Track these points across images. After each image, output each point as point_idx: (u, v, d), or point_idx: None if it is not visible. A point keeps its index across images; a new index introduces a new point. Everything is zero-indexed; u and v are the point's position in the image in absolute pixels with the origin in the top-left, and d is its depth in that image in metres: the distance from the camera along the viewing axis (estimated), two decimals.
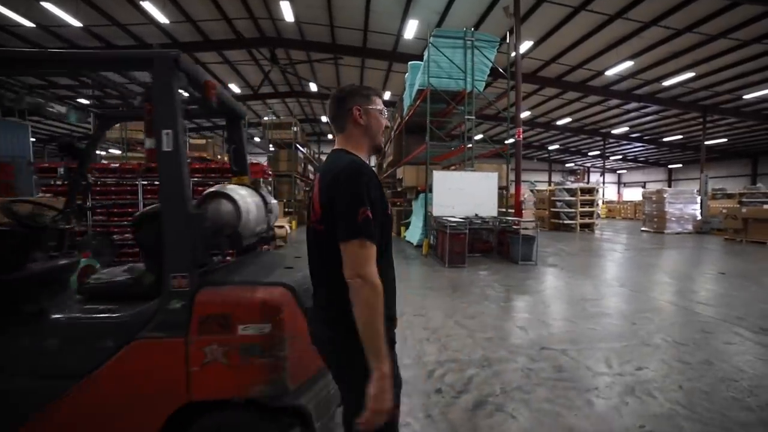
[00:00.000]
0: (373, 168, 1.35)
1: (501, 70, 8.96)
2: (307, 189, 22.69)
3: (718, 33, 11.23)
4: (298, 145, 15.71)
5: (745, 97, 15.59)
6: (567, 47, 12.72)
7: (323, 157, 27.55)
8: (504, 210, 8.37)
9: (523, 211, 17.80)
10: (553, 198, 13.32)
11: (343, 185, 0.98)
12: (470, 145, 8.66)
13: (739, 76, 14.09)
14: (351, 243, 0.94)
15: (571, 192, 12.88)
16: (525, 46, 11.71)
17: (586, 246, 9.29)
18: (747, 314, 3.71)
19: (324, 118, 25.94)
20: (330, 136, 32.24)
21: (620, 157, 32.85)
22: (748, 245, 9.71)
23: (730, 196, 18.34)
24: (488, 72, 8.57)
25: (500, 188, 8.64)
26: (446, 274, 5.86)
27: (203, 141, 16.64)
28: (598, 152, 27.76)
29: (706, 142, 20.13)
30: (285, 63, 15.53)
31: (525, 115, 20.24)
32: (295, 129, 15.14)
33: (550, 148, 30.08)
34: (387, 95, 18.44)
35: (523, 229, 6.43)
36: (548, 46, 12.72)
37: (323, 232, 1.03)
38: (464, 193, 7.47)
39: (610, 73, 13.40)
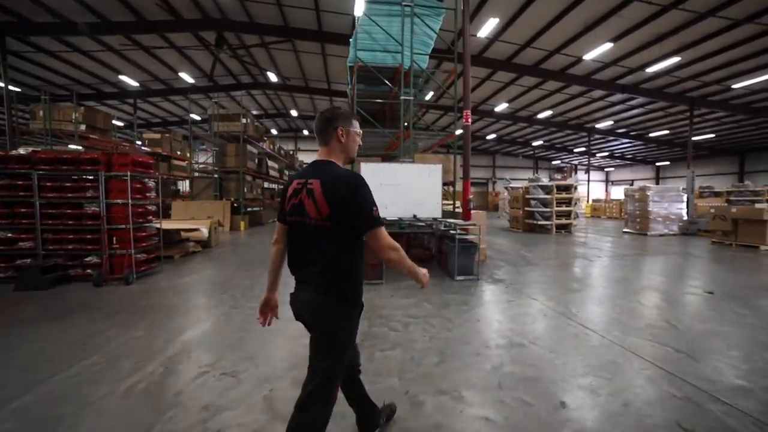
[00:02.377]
0: None
1: (448, 45, 7.60)
2: (275, 188, 21.26)
3: (707, 10, 10.05)
4: (249, 139, 14.23)
5: (734, 86, 14.53)
6: (541, 29, 11.47)
7: (300, 155, 26.26)
8: (453, 211, 7.08)
9: (502, 211, 16.51)
10: (527, 196, 12.05)
11: (360, 192, 1.32)
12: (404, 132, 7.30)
13: (729, 63, 12.99)
14: (378, 230, 1.33)
15: (547, 189, 11.61)
16: (491, 24, 10.42)
17: (555, 252, 8.01)
18: (751, 376, 2.43)
19: (294, 113, 24.45)
20: (306, 132, 30.74)
21: (607, 154, 31.86)
22: (739, 250, 8.56)
23: (717, 195, 17.51)
24: (432, 45, 7.23)
25: (447, 184, 7.34)
26: None
27: (158, 136, 15.13)
28: (585, 149, 26.71)
29: (694, 138, 19.17)
30: (236, 47, 14.04)
31: (503, 107, 19.02)
32: (244, 121, 13.67)
33: (535, 144, 28.94)
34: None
35: (461, 234, 5.09)
36: (520, 26, 11.45)
37: (330, 226, 1.33)
38: (401, 189, 6.14)
39: (589, 57, 12.16)
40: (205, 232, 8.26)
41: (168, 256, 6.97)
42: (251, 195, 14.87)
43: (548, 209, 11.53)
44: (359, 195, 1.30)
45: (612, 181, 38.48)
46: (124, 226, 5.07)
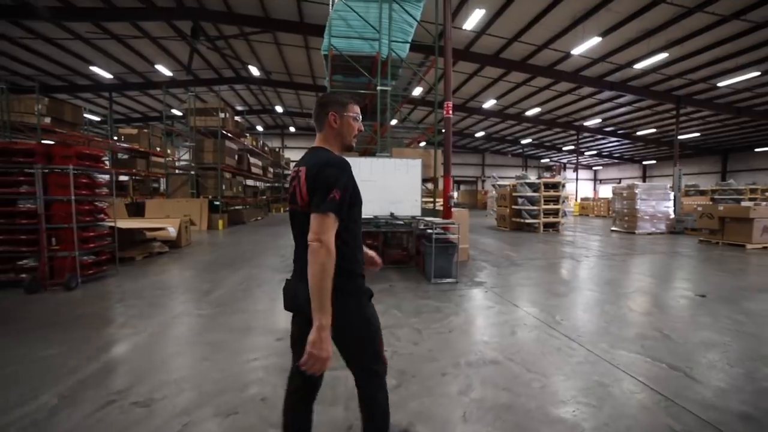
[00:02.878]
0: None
1: (433, 37, 7.20)
2: (259, 185, 20.45)
3: (695, 5, 9.88)
4: (228, 134, 13.63)
5: (719, 85, 14.52)
6: (529, 22, 11.18)
7: (287, 153, 25.67)
8: (433, 209, 6.70)
9: (488, 209, 16.25)
10: (514, 194, 11.75)
11: (324, 172, 1.22)
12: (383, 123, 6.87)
13: (715, 61, 12.94)
14: (319, 215, 1.17)
15: (534, 187, 11.32)
16: (477, 15, 10.07)
17: (541, 252, 7.70)
18: (757, 400, 2.09)
19: (279, 109, 23.81)
20: (292, 129, 30.07)
21: (595, 152, 32.00)
22: (726, 249, 8.40)
23: (702, 193, 17.60)
24: (412, 33, 6.82)
25: (427, 180, 6.96)
26: None
27: (135, 131, 14.41)
28: (573, 147, 26.70)
29: (680, 137, 19.22)
30: (215, 37, 13.41)
31: (491, 104, 18.76)
32: (222, 116, 13.06)
33: (524, 142, 28.86)
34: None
35: (438, 234, 4.69)
36: (508, 19, 11.15)
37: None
38: (377, 186, 5.72)
39: (577, 52, 11.92)
40: (172, 231, 7.72)
41: (128, 258, 6.44)
42: (231, 192, 14.27)
43: (535, 207, 11.25)
44: (322, 173, 1.22)
45: (600, 180, 38.74)
46: (66, 226, 4.55)
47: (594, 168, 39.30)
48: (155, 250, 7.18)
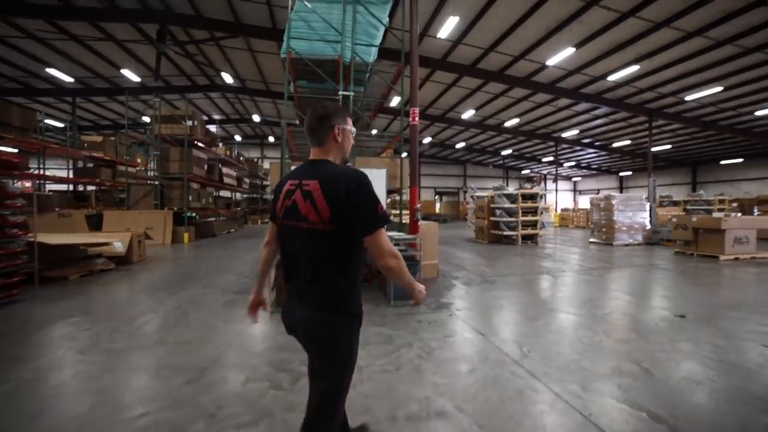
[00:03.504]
0: None
1: (395, 35, 6.90)
2: (232, 197, 19.55)
3: (662, 20, 10.04)
4: (197, 143, 12.98)
5: (687, 99, 14.90)
6: (505, 32, 11.14)
7: (267, 163, 24.75)
8: (400, 222, 6.27)
9: (468, 220, 15.98)
10: (492, 205, 11.50)
11: (363, 188, 1.20)
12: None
13: (682, 76, 13.27)
14: (380, 231, 1.20)
15: (512, 198, 11.09)
16: (451, 23, 9.92)
17: (517, 266, 7.35)
18: None
19: (257, 118, 23.22)
20: (272, 139, 29.41)
21: (574, 163, 32.61)
22: (701, 260, 8.29)
23: (676, 204, 17.92)
24: (378, 37, 6.50)
25: (393, 191, 6.56)
26: (249, 329, 3.59)
27: (99, 139, 13.53)
28: (552, 158, 27.05)
29: (653, 149, 19.68)
30: (185, 42, 12.86)
31: (470, 114, 18.74)
32: (190, 123, 12.43)
33: (504, 153, 29.10)
34: None
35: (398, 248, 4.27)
36: (483, 29, 11.07)
37: (331, 230, 1.20)
38: None
39: (552, 63, 11.96)
40: (119, 246, 7.00)
41: (59, 278, 5.71)
42: (199, 204, 13.52)
43: (514, 219, 11.00)
44: (363, 192, 1.20)
45: (579, 191, 39.48)
46: None
47: (573, 179, 40.08)
48: (97, 268, 6.45)
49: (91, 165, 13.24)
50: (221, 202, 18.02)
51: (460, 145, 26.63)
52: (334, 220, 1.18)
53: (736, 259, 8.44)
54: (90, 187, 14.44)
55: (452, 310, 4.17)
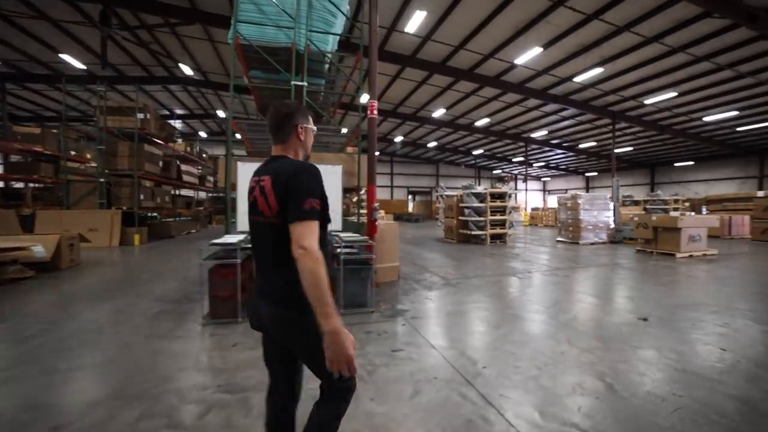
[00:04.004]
0: None
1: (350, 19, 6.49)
2: (194, 196, 18.32)
3: (624, 24, 10.25)
4: (150, 138, 11.98)
5: (646, 102, 15.49)
6: (474, 29, 11.00)
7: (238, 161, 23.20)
8: (357, 222, 5.89)
9: (438, 221, 15.81)
10: (461, 204, 11.34)
11: (299, 179, 1.17)
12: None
13: (641, 80, 13.75)
14: (299, 223, 1.11)
15: (480, 197, 10.98)
16: (419, 18, 9.64)
17: (483, 267, 7.14)
18: None
19: (222, 113, 22.07)
20: (238, 136, 28.07)
21: (543, 164, 33.51)
22: (660, 258, 8.48)
23: (636, 203, 18.66)
24: (337, 25, 6.06)
25: (350, 190, 6.17)
26: (172, 347, 3.09)
27: (37, 130, 12.14)
28: (523, 158, 27.60)
29: (616, 150, 20.47)
30: (135, 27, 11.81)
31: (440, 113, 18.65)
32: (141, 116, 11.43)
33: (476, 153, 29.42)
34: None
35: (348, 254, 3.85)
36: (453, 25, 10.88)
37: (281, 224, 1.18)
38: None
39: (520, 62, 11.98)
40: (39, 251, 6.13)
41: None
42: (152, 203, 12.50)
43: (482, 218, 10.89)
44: (294, 180, 1.17)
45: (549, 191, 40.71)
46: None
47: (543, 179, 41.29)
48: (8, 276, 5.60)
49: (30, 159, 11.91)
50: (181, 201, 16.90)
51: (432, 144, 26.61)
52: (282, 213, 1.18)
53: (691, 256, 8.73)
54: (31, 185, 13.02)
55: (407, 318, 3.81)
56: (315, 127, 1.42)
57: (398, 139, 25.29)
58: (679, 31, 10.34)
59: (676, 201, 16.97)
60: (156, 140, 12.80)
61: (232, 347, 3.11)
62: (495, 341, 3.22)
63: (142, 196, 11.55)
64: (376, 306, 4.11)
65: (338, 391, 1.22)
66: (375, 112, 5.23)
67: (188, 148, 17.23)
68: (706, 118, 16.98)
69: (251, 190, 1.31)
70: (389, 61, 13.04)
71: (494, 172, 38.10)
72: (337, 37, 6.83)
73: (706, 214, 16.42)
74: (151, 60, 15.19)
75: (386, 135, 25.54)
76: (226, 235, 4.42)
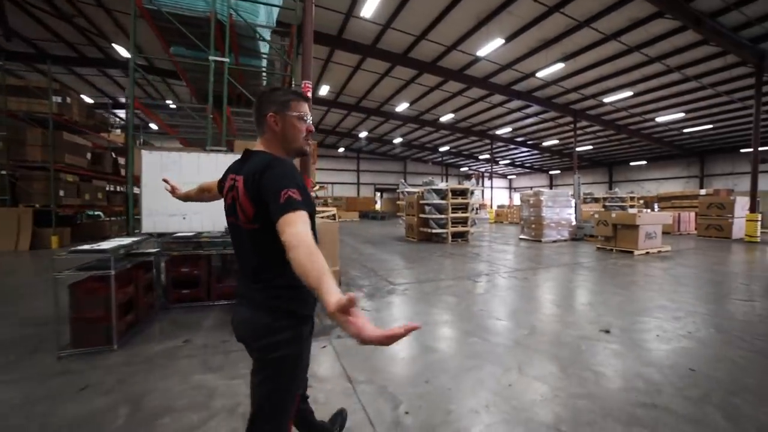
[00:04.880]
0: None
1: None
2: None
3: (584, 20, 10.11)
4: (73, 126, 10.42)
5: (605, 101, 15.77)
6: (436, 17, 10.46)
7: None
8: None
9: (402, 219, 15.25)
10: (421, 201, 10.80)
11: (268, 178, 1.06)
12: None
13: (601, 78, 13.90)
14: (284, 216, 0.99)
15: (441, 194, 10.49)
16: (374, 1, 8.93)
17: (437, 270, 6.57)
18: None
19: (173, 105, 20.27)
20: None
21: (509, 161, 34.03)
22: (619, 256, 8.37)
23: (597, 200, 19.14)
24: None
25: None
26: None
27: None
28: (489, 156, 27.74)
29: (577, 149, 20.94)
30: None
31: (404, 107, 18.10)
32: (58, 100, 9.89)
33: (442, 150, 29.28)
34: None
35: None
36: (412, 13, 10.30)
37: (259, 229, 1.11)
38: None
39: (483, 54, 11.62)
40: None
41: None
42: (78, 200, 10.95)
43: (443, 216, 10.40)
44: (266, 177, 1.07)
45: (515, 188, 41.59)
46: None
47: (509, 177, 42.13)
48: None
49: None
50: (119, 198, 15.17)
51: (398, 140, 26.09)
52: (258, 217, 1.11)
53: (647, 253, 8.71)
54: None
55: (332, 339, 3.11)
56: (301, 114, 1.20)
57: (363, 134, 24.53)
58: (634, 30, 10.43)
59: (632, 198, 17.51)
60: (82, 129, 11.22)
61: (80, 392, 2.26)
62: (429, 370, 2.58)
63: (62, 192, 10.01)
64: None
65: (266, 413, 1.18)
66: (309, 94, 4.46)
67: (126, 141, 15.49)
68: (659, 119, 17.64)
69: (229, 189, 1.22)
70: (350, 51, 12.26)
71: (461, 169, 38.32)
72: (273, 11, 5.99)
73: (658, 211, 17.07)
74: (81, 38, 13.47)
75: (351, 130, 24.70)
76: (105, 241, 3.51)
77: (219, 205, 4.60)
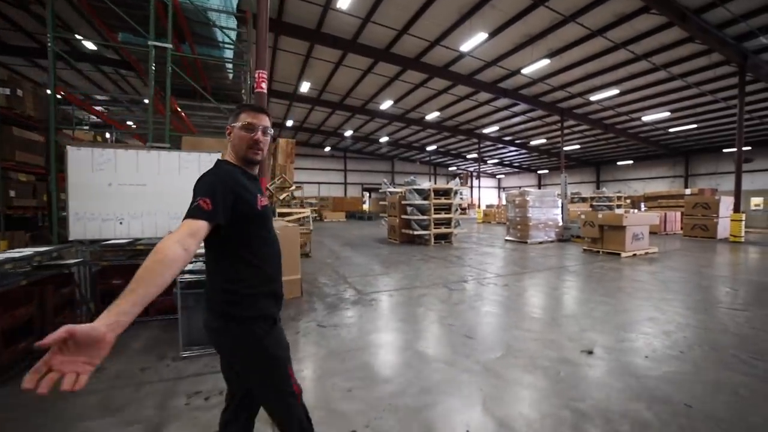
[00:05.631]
0: None
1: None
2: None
3: (569, 14, 9.79)
4: (25, 121, 9.61)
5: (591, 99, 15.57)
6: (417, 10, 10.02)
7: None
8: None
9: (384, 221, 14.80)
10: (403, 202, 10.36)
11: (196, 184, 1.15)
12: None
13: (587, 76, 13.66)
14: (184, 222, 1.05)
15: (423, 194, 10.06)
16: None
17: (413, 276, 6.12)
18: None
19: (102, 96, 19.33)
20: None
21: (497, 161, 33.87)
22: (606, 258, 8.07)
23: (584, 200, 19.00)
24: None
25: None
26: None
27: None
28: (477, 155, 27.50)
29: (565, 148, 20.76)
30: None
31: (388, 105, 17.63)
32: (6, 91, 9.09)
33: (429, 149, 28.92)
34: None
35: (190, 271, 2.62)
36: (393, 6, 9.84)
37: (208, 235, 1.11)
38: (148, 192, 3.58)
39: (467, 49, 11.21)
40: None
41: None
42: (33, 201, 10.15)
43: (426, 217, 9.98)
44: (195, 188, 1.15)
45: (503, 188, 41.51)
46: None
47: (497, 176, 42.04)
48: None
49: None
50: None
51: (384, 139, 25.63)
52: None
53: (635, 255, 8.44)
54: None
55: None
56: (246, 123, 1.25)
57: (348, 133, 24.00)
58: (620, 26, 10.16)
59: (619, 198, 17.40)
60: (38, 125, 10.42)
61: None
62: (373, 410, 2.12)
63: (13, 193, 9.24)
64: None
65: (254, 403, 1.31)
66: (263, 86, 3.96)
67: (99, 138, 14.69)
68: (645, 118, 17.55)
69: None
70: (330, 47, 11.76)
71: (450, 169, 38.06)
72: None
73: (645, 210, 16.97)
74: (39, 27, 12.63)
75: (336, 129, 24.15)
76: (26, 249, 2.96)
77: (162, 207, 4.01)
